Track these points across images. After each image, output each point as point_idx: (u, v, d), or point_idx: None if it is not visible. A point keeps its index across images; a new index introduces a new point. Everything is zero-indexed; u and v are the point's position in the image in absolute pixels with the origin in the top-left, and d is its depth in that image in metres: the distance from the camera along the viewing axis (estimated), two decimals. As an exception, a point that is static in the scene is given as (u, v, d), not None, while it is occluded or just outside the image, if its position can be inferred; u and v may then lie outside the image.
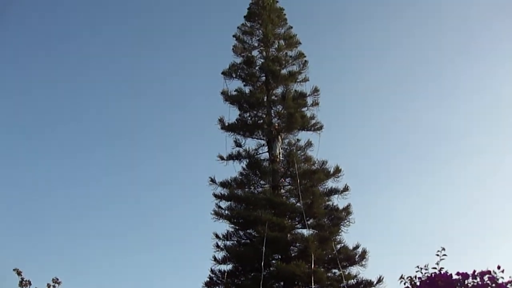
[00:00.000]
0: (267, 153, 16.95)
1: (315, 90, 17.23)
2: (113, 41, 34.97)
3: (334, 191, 16.15)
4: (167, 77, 34.82)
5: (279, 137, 16.68)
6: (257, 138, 17.19)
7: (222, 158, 16.75)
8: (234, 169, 16.76)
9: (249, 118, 17.13)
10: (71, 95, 33.85)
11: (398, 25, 36.11)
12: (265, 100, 17.24)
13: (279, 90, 17.64)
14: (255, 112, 17.18)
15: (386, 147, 32.09)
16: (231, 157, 16.80)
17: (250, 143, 17.44)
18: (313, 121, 17.04)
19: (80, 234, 27.37)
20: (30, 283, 9.26)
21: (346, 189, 16.12)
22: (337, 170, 16.27)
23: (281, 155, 16.59)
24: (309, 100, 17.30)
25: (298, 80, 17.53)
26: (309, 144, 16.81)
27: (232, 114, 17.25)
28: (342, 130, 30.76)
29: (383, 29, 35.75)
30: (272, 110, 17.23)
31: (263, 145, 17.16)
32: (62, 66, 34.61)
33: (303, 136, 17.28)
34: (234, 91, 17.39)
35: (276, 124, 16.86)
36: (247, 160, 16.66)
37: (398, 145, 31.96)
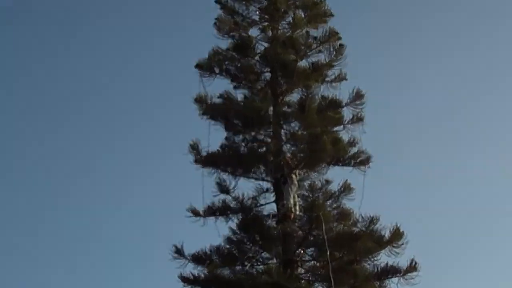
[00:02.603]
0: (274, 204, 15.83)
1: (358, 96, 15.94)
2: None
3: (392, 271, 15.05)
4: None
5: (294, 176, 15.54)
6: (256, 179, 16.09)
7: (196, 213, 15.75)
8: (217, 230, 15.62)
9: (244, 144, 16.19)
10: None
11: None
12: (270, 113, 16.07)
13: (295, 96, 16.42)
14: (253, 133, 16.20)
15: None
16: (211, 210, 15.79)
17: (245, 187, 16.15)
18: (353, 150, 15.97)
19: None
20: None
21: (413, 267, 14.86)
22: (397, 234, 14.92)
23: (298, 207, 15.46)
24: (347, 113, 16.06)
25: (327, 79, 16.41)
26: (346, 188, 15.70)
27: (214, 136, 16.15)
28: (400, 164, 29.50)
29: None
30: (282, 131, 16.19)
31: (267, 190, 16.05)
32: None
33: (335, 175, 16.16)
34: (218, 97, 16.26)
35: (289, 155, 15.78)
36: (240, 216, 15.65)
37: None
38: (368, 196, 15.86)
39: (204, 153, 15.99)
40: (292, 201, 15.45)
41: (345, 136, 16.05)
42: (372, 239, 14.97)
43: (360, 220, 15.21)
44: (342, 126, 16.06)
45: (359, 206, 15.55)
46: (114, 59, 36.53)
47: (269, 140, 16.21)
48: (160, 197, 29.85)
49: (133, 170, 32.50)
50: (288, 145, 16.23)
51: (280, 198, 15.68)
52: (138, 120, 34.21)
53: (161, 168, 30.91)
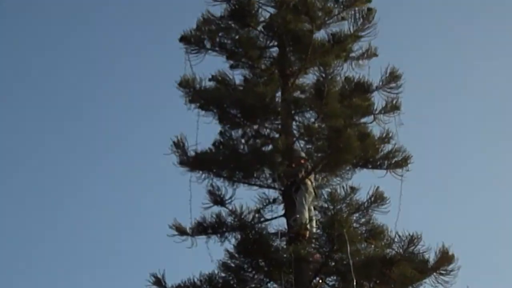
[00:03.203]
0: (283, 219, 14.30)
1: (393, 77, 14.60)
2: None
3: (442, 307, 14.45)
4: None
5: (310, 183, 14.37)
6: (260, 186, 14.69)
7: (181, 231, 14.41)
8: (208, 254, 14.19)
9: (243, 141, 14.89)
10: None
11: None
12: (278, 100, 14.86)
13: (310, 78, 14.99)
14: (256, 126, 14.89)
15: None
16: (202, 227, 14.44)
17: (245, 196, 14.64)
18: (387, 147, 14.50)
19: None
20: None
21: (469, 303, 13.86)
22: (445, 258, 13.34)
23: (314, 223, 14.30)
24: (379, 100, 14.72)
25: (352, 55, 15.08)
26: (378, 198, 14.15)
27: (205, 131, 14.72)
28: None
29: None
30: (293, 123, 14.83)
31: (274, 200, 14.63)
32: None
33: (363, 181, 14.59)
34: (210, 79, 14.86)
35: (303, 155, 14.62)
36: (239, 235, 14.35)
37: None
38: (407, 208, 14.14)
39: (191, 153, 14.29)
40: (306, 215, 13.84)
41: (376, 129, 14.39)
42: (412, 264, 13.19)
43: (396, 239, 13.28)
44: (372, 117, 14.44)
45: (394, 221, 13.76)
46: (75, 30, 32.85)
47: (276, 135, 14.55)
48: (135, 210, 26.82)
49: (100, 174, 28.79)
50: (302, 142, 14.54)
51: (291, 211, 13.94)
52: (104, 110, 30.60)
53: (136, 173, 27.62)
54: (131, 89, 29.87)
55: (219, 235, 14.03)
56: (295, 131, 14.49)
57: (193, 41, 14.89)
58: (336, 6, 14.90)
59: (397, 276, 13.08)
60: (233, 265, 13.65)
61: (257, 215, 14.17)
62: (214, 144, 14.38)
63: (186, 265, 15.72)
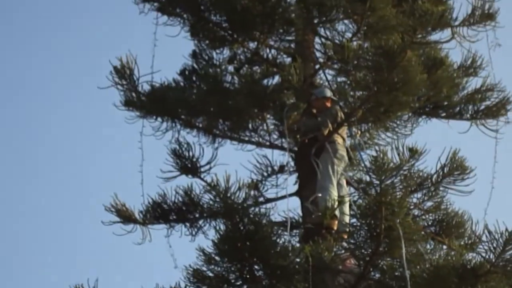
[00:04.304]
0: (297, 199, 11.30)
1: None
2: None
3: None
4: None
5: (340, 141, 11.28)
6: (259, 145, 11.85)
7: (126, 216, 11.97)
8: (169, 255, 11.85)
9: (233, 69, 11.86)
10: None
11: None
12: (291, 1, 11.67)
13: None
14: (253, 44, 11.56)
15: None
16: (160, 212, 11.54)
17: (233, 160, 12.30)
18: (473, 83, 11.44)
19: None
20: None
21: None
22: None
23: (346, 208, 11.08)
24: (462, 3, 11.69)
25: None
26: (456, 168, 11.04)
27: (165, 50, 12.04)
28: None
29: None
30: (316, 39, 11.67)
31: (281, 168, 11.99)
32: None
33: (432, 137, 12.10)
34: None
35: (330, 94, 11.62)
36: (222, 226, 11.66)
37: None
38: (504, 186, 11.84)
39: (145, 87, 10.73)
40: (335, 193, 10.19)
41: (455, 53, 10.90)
42: (509, 278, 9.49)
43: (484, 237, 9.52)
44: (449, 31, 10.74)
45: (483, 207, 10.44)
46: None
47: (288, 59, 10.98)
48: (53, 180, 21.67)
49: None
50: (329, 72, 10.86)
51: (307, 186, 10.41)
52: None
53: (54, 118, 21.82)
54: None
55: (188, 224, 10.48)
56: (318, 54, 10.93)
57: None
58: None
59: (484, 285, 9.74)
60: (211, 273, 9.73)
61: (253, 192, 10.51)
62: (182, 73, 10.80)
63: (135, 271, 13.55)
